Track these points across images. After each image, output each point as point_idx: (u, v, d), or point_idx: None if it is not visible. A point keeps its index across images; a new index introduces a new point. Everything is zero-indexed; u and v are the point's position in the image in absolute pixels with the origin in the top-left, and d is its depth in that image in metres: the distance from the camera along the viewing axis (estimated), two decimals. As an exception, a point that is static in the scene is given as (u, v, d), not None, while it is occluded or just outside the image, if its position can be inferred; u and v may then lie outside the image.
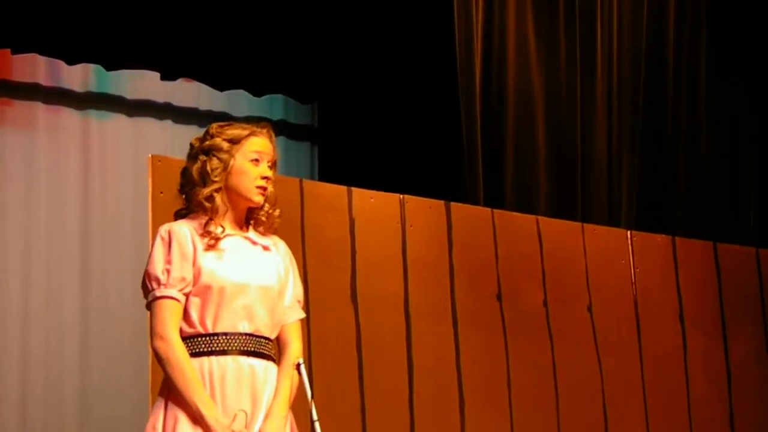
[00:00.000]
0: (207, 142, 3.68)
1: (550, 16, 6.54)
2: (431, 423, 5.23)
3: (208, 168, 3.65)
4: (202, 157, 3.67)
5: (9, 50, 5.92)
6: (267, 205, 3.70)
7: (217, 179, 3.64)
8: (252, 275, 3.60)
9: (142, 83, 6.42)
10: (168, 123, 6.55)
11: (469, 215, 5.57)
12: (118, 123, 6.42)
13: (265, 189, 3.66)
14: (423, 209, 5.41)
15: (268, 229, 3.72)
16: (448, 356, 5.33)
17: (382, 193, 5.33)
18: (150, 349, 4.51)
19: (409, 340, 5.24)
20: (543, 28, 6.50)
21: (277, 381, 3.60)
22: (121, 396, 6.03)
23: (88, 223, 6.27)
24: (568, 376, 5.62)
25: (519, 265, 5.61)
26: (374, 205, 5.26)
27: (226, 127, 3.70)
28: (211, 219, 3.62)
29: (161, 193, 4.64)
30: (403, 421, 5.15)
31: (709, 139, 7.06)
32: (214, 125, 3.74)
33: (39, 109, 6.24)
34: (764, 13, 7.27)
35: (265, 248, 3.69)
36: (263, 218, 3.70)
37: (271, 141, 3.71)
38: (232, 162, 3.64)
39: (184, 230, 3.61)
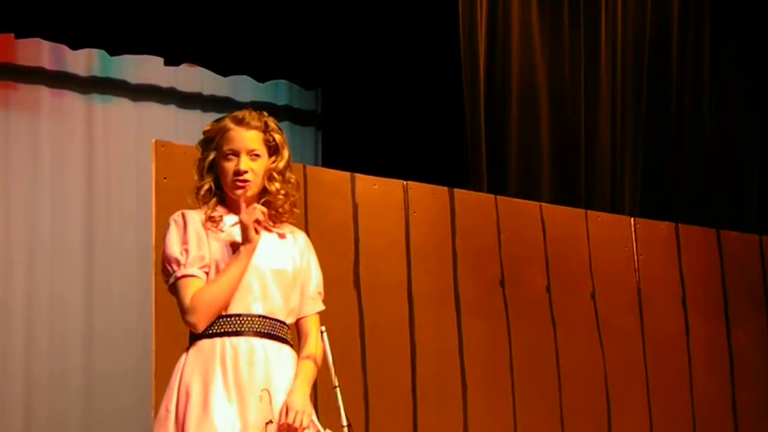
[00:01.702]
0: (200, 140, 3.74)
1: (554, 3, 6.53)
2: (434, 408, 5.24)
3: (197, 168, 3.72)
4: (197, 154, 3.73)
5: (13, 34, 5.91)
6: (276, 186, 3.69)
7: (201, 178, 3.69)
8: (265, 258, 3.60)
9: (146, 68, 6.42)
10: (172, 108, 6.55)
11: (473, 201, 5.57)
12: (122, 107, 6.42)
13: (243, 182, 3.63)
14: (426, 195, 5.42)
15: (280, 216, 3.71)
16: (450, 342, 5.33)
17: (385, 179, 5.33)
18: (154, 342, 4.54)
19: (412, 325, 5.24)
20: (547, 15, 6.50)
21: (298, 365, 3.61)
22: (124, 388, 6.04)
23: (92, 207, 6.27)
24: (571, 362, 5.62)
25: (522, 251, 5.62)
26: (378, 191, 5.26)
27: (214, 124, 3.72)
28: (208, 209, 3.64)
29: (165, 178, 4.65)
30: (406, 406, 5.16)
31: (712, 127, 7.06)
32: (210, 122, 3.76)
33: (43, 93, 6.25)
34: (766, 5, 7.26)
35: (281, 236, 3.69)
36: (268, 205, 3.69)
37: (254, 129, 3.67)
38: (209, 160, 3.67)
39: (195, 214, 3.63)
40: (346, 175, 5.25)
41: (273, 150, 3.71)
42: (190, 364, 3.54)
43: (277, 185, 3.69)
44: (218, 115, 6.86)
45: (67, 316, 6.13)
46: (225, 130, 3.65)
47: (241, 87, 6.65)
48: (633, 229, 5.99)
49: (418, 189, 5.39)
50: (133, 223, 6.23)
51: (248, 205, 3.62)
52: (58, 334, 6.10)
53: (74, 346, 6.12)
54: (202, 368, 3.51)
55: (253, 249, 3.55)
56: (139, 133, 6.33)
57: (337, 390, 3.54)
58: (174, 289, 3.59)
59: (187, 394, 3.49)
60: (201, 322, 3.55)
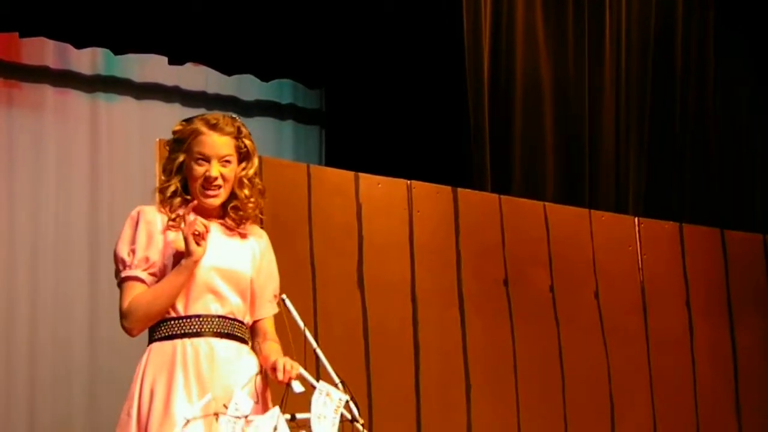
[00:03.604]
0: (169, 140, 3.74)
1: (559, 2, 6.53)
2: (438, 408, 5.24)
3: (163, 166, 3.73)
4: (166, 153, 3.73)
5: (17, 33, 5.92)
6: (245, 192, 3.69)
7: (167, 177, 3.69)
8: (223, 259, 3.61)
9: (151, 67, 6.41)
10: (176, 107, 6.54)
11: (477, 201, 5.57)
12: (126, 106, 6.42)
13: (213, 188, 3.63)
14: (430, 195, 5.42)
15: (245, 220, 3.71)
16: (454, 342, 5.33)
17: (389, 178, 5.34)
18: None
19: (415, 325, 5.24)
20: (551, 14, 6.50)
21: (265, 347, 3.63)
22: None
23: (96, 206, 6.27)
24: (575, 362, 5.62)
25: (526, 250, 5.62)
26: (381, 191, 5.27)
27: (184, 124, 3.70)
28: (169, 208, 3.64)
29: (169, 177, 4.65)
30: (410, 405, 5.16)
31: (716, 127, 7.05)
32: (180, 122, 3.74)
33: (48, 91, 6.24)
34: (771, 0, 7.27)
35: (243, 237, 3.71)
36: (235, 210, 3.69)
37: (227, 135, 3.65)
38: (178, 161, 3.67)
39: (154, 213, 3.64)
40: (350, 174, 5.25)
41: (243, 156, 3.71)
42: (151, 366, 3.55)
43: (247, 191, 3.70)
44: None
45: (72, 316, 6.13)
46: (198, 134, 3.64)
47: (245, 86, 6.65)
48: (637, 228, 5.99)
49: (422, 188, 5.40)
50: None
51: (209, 210, 3.63)
52: (63, 334, 6.09)
53: (78, 346, 6.12)
54: (163, 370, 3.52)
55: (196, 262, 3.54)
56: (143, 132, 6.32)
57: (318, 351, 3.55)
58: (119, 289, 3.61)
59: (151, 396, 3.50)
60: (135, 329, 3.60)
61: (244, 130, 3.71)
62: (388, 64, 6.38)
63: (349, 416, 3.45)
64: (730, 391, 6.08)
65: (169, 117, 6.45)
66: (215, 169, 3.62)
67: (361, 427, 3.47)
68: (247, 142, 3.71)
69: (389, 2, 6.26)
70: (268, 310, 3.73)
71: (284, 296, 3.67)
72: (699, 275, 6.10)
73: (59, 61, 6.25)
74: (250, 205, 3.70)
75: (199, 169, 3.62)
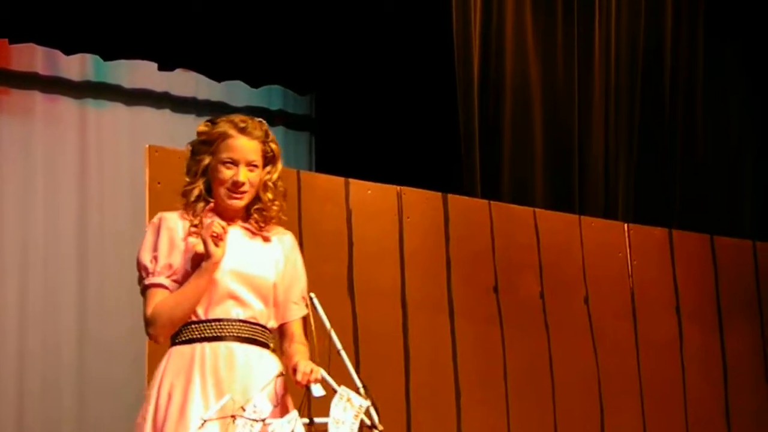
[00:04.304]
0: (194, 140, 3.69)
1: (548, 8, 6.54)
2: (427, 414, 5.23)
3: (187, 167, 3.68)
4: (189, 155, 3.69)
5: (7, 40, 5.91)
6: (269, 196, 3.69)
7: (191, 179, 3.65)
8: (244, 263, 3.59)
9: (140, 73, 6.41)
10: (166, 113, 6.54)
11: (467, 207, 5.57)
12: (115, 112, 6.41)
13: (239, 193, 3.63)
14: (420, 201, 5.42)
15: (268, 222, 3.70)
16: (444, 348, 5.33)
17: (379, 184, 5.34)
18: (147, 347, 4.53)
19: (405, 331, 5.24)
20: (541, 20, 6.51)
21: (292, 349, 3.60)
22: (118, 394, 6.01)
23: (85, 212, 6.26)
24: (565, 368, 5.62)
25: (516, 257, 5.62)
26: (371, 197, 5.27)
27: (210, 126, 3.67)
28: (192, 213, 3.62)
29: (158, 183, 4.65)
30: (400, 411, 5.16)
31: (705, 133, 7.07)
32: (204, 122, 3.71)
33: (37, 98, 6.23)
34: (761, 9, 7.28)
35: (266, 240, 3.68)
36: (259, 213, 3.68)
37: (256, 139, 3.64)
38: (204, 163, 3.63)
39: (176, 219, 3.62)
40: (340, 180, 5.25)
41: (269, 160, 3.70)
42: (170, 370, 3.53)
43: (270, 195, 3.68)
44: (212, 121, 6.82)
45: (61, 322, 6.11)
46: (226, 137, 3.62)
47: (235, 92, 6.65)
48: (626, 234, 6.00)
49: (412, 194, 5.40)
50: (127, 229, 6.21)
51: (232, 213, 3.62)
52: (52, 339, 6.08)
53: (67, 352, 6.11)
54: (181, 373, 3.49)
55: (216, 264, 3.52)
56: (132, 138, 6.32)
57: (343, 353, 3.52)
58: (142, 296, 3.59)
59: (168, 399, 3.47)
60: (160, 335, 3.57)
61: (270, 134, 3.70)
62: (377, 71, 6.39)
63: (368, 422, 3.42)
64: (720, 396, 6.08)
65: (158, 123, 6.46)
66: (243, 174, 3.60)
67: None
68: (273, 146, 3.70)
69: (379, 8, 6.27)
70: (295, 313, 3.68)
71: (312, 295, 3.64)
72: (689, 281, 6.11)
73: (48, 68, 6.25)
74: (275, 208, 3.69)
75: (227, 173, 3.60)
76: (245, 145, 3.62)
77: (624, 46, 6.78)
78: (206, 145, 3.64)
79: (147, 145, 4.74)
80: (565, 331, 5.66)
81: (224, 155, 3.60)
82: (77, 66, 6.30)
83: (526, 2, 6.47)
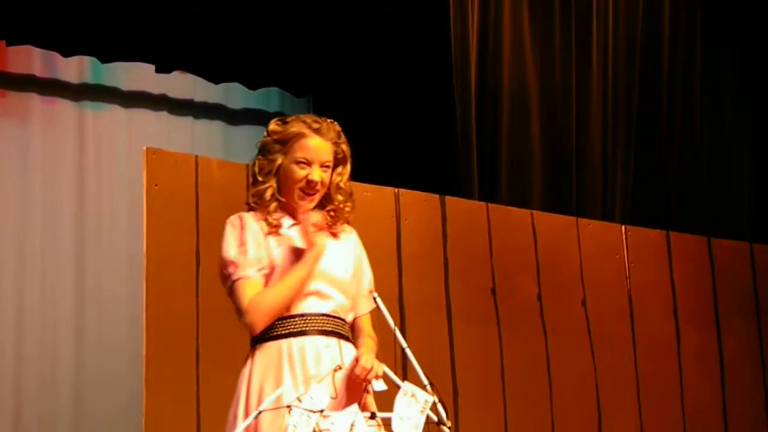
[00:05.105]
0: (263, 140, 3.68)
1: (546, 10, 6.54)
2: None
3: (257, 167, 3.66)
4: (258, 156, 3.68)
5: (4, 42, 5.91)
6: (340, 197, 3.69)
7: (264, 179, 3.64)
8: (324, 260, 3.59)
9: (138, 75, 6.41)
10: (163, 115, 6.54)
11: (464, 209, 5.57)
12: (113, 114, 6.41)
13: (311, 193, 3.63)
14: (418, 203, 5.42)
15: (338, 223, 3.71)
16: (442, 349, 5.33)
17: (377, 186, 5.33)
18: (144, 349, 4.52)
19: (403, 333, 5.23)
20: (538, 22, 6.51)
21: (359, 341, 3.62)
22: (115, 392, 6.02)
23: (83, 214, 6.26)
24: (562, 370, 5.63)
25: (513, 259, 5.62)
26: (369, 199, 5.26)
27: (283, 125, 3.66)
28: (267, 213, 3.61)
29: (156, 185, 4.64)
30: (397, 413, 5.15)
31: (703, 135, 7.07)
32: (275, 121, 3.70)
33: (34, 100, 6.23)
34: (758, 7, 7.28)
35: (336, 236, 3.69)
36: (332, 213, 3.69)
37: (329, 140, 3.65)
38: (277, 163, 3.63)
39: (254, 219, 3.62)
40: (337, 182, 5.24)
41: (340, 161, 3.72)
42: (258, 367, 3.52)
43: (341, 197, 3.71)
44: (210, 123, 6.89)
45: (58, 323, 6.12)
46: (301, 136, 3.62)
47: (232, 94, 6.65)
48: (624, 236, 6.00)
49: (410, 196, 5.40)
50: (125, 230, 6.22)
51: (327, 201, 3.66)
52: (49, 340, 6.09)
53: (65, 352, 6.11)
54: (270, 370, 3.49)
55: (321, 252, 3.55)
56: (130, 140, 6.32)
57: (408, 351, 3.54)
58: (231, 291, 3.57)
59: (259, 396, 3.46)
60: (258, 324, 3.52)
61: (342, 135, 3.73)
62: (375, 73, 6.39)
63: (435, 418, 3.41)
64: (718, 397, 6.09)
65: (156, 125, 6.47)
66: (317, 174, 3.62)
67: (447, 430, 3.43)
68: (344, 147, 3.73)
69: (376, 11, 6.27)
70: (365, 307, 3.71)
71: (375, 294, 3.65)
72: (686, 283, 6.12)
73: (46, 70, 6.25)
74: (347, 209, 3.71)
75: (301, 172, 3.61)
76: (319, 146, 3.64)
77: (621, 49, 6.79)
78: (279, 144, 3.64)
79: (144, 147, 4.73)
80: (562, 333, 5.66)
81: (299, 155, 3.61)
82: (75, 68, 6.30)
83: (523, 5, 6.47)
